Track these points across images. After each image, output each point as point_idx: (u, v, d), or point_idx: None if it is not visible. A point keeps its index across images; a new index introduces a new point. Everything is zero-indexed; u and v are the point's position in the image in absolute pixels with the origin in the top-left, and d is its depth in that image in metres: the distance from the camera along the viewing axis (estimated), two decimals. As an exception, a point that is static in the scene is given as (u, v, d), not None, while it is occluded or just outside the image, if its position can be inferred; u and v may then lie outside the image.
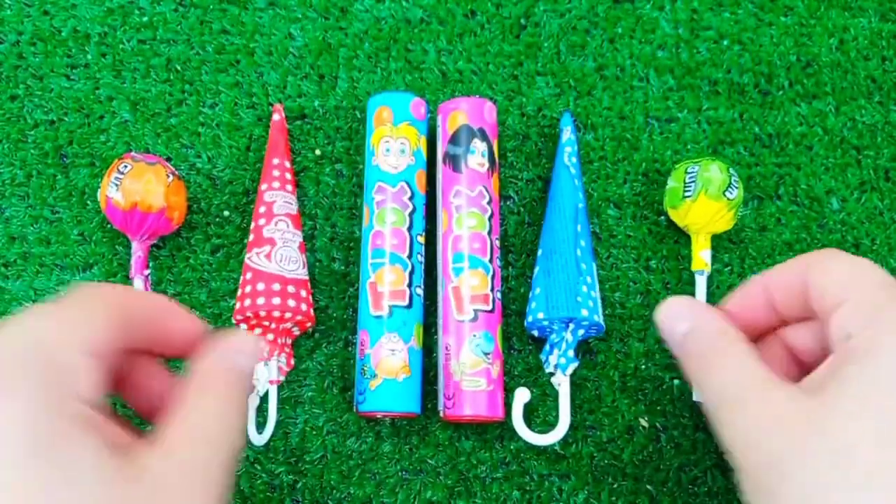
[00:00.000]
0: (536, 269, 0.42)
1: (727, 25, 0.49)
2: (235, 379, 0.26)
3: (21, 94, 0.48)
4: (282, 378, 0.42)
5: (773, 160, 0.47)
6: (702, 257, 0.44)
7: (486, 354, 0.38)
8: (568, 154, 0.45)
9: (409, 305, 0.39)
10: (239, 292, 0.42)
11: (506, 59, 0.48)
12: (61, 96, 0.48)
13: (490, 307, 0.39)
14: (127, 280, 0.45)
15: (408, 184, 0.41)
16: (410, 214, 0.40)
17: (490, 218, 0.40)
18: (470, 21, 0.49)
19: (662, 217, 0.46)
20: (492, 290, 0.39)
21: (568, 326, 0.41)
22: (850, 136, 0.48)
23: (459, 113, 0.42)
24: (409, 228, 0.40)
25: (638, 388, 0.44)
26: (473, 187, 0.40)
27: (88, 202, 0.46)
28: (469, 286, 0.39)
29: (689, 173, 0.43)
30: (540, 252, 0.43)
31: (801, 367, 0.31)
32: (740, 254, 0.46)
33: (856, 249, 0.46)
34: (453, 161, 0.41)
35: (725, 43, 0.49)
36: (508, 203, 0.46)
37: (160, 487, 0.21)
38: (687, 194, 0.42)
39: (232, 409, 0.25)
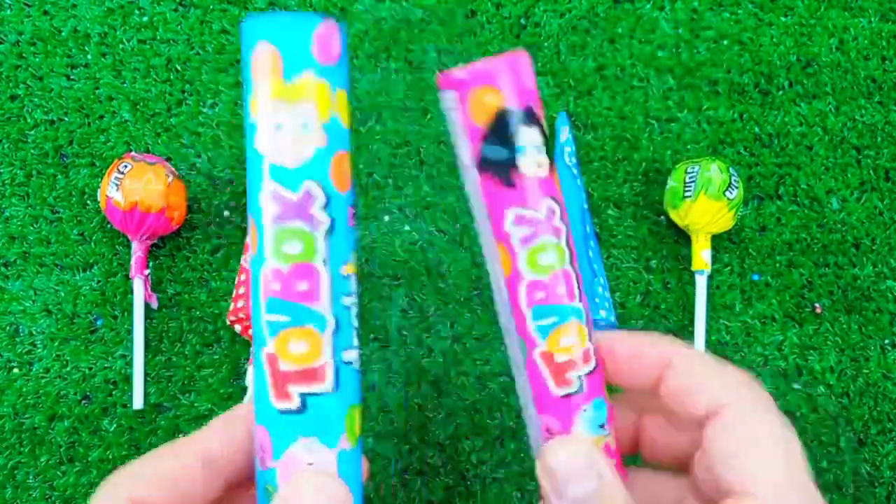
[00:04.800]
0: None
1: (727, 25, 0.49)
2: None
3: (21, 94, 0.48)
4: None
5: (773, 160, 0.47)
6: (702, 257, 0.44)
7: (601, 427, 0.26)
8: (568, 154, 0.45)
9: (335, 388, 0.22)
10: (233, 293, 0.42)
11: (506, 59, 0.48)
12: (61, 96, 0.48)
13: (593, 365, 0.26)
14: (127, 280, 0.45)
15: (319, 184, 0.23)
16: (326, 235, 0.23)
17: (566, 237, 0.26)
18: (470, 21, 0.49)
19: (662, 217, 0.46)
20: (590, 337, 0.26)
21: None
22: (850, 136, 0.48)
23: (491, 92, 0.25)
24: (326, 261, 0.23)
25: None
26: (539, 205, 0.25)
27: (88, 202, 0.46)
28: (565, 348, 0.26)
29: (689, 173, 0.43)
30: None
31: None
32: (740, 254, 0.46)
33: (856, 249, 0.46)
34: (497, 170, 0.26)
35: (725, 43, 0.49)
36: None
37: None
38: (687, 194, 0.42)
39: None
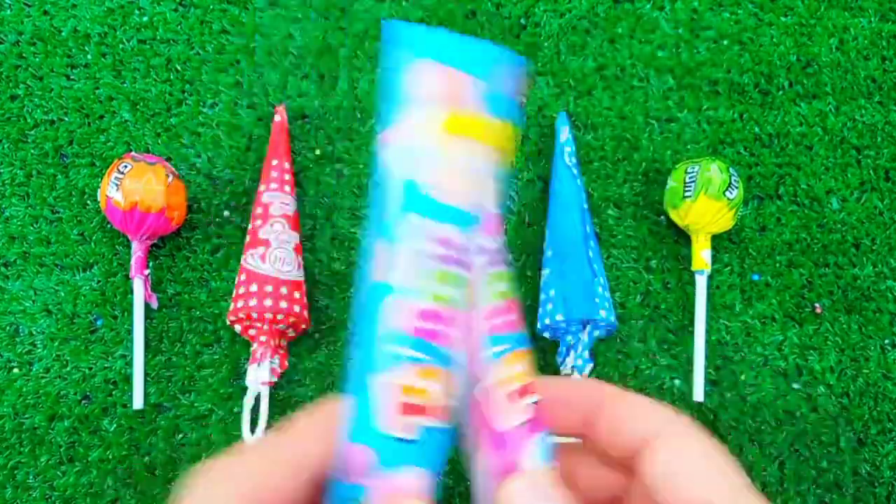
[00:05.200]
0: (547, 271, 0.42)
1: (727, 25, 0.49)
2: None
3: (21, 94, 0.48)
4: (275, 380, 0.42)
5: (773, 160, 0.47)
6: (702, 257, 0.44)
7: (550, 458, 0.24)
8: (567, 154, 0.45)
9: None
10: (234, 293, 0.42)
11: (506, 59, 0.48)
12: (61, 96, 0.48)
13: (536, 395, 0.24)
14: (127, 280, 0.45)
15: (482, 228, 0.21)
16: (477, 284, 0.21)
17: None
18: (470, 21, 0.49)
19: (662, 217, 0.46)
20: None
21: (584, 328, 0.41)
22: (850, 136, 0.48)
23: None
24: (466, 303, 0.21)
25: (638, 388, 0.43)
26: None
27: (88, 202, 0.46)
28: (511, 376, 0.24)
29: (689, 173, 0.43)
30: (549, 253, 0.43)
31: None
32: (740, 254, 0.46)
33: (856, 249, 0.46)
34: None
35: (725, 43, 0.49)
36: (508, 203, 0.46)
37: None
38: (687, 194, 0.42)
39: None
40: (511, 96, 0.20)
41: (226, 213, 0.46)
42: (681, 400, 0.43)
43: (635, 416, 0.23)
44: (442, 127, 0.19)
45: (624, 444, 0.23)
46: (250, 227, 0.43)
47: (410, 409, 0.21)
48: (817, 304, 0.45)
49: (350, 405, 0.22)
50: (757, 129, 0.48)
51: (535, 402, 0.24)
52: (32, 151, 0.47)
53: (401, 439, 0.21)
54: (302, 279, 0.43)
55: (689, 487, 0.21)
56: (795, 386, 0.44)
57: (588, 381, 0.25)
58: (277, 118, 0.46)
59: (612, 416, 0.24)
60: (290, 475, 0.22)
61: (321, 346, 0.44)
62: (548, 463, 0.24)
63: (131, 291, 0.44)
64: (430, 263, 0.20)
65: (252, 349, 0.42)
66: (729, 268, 0.46)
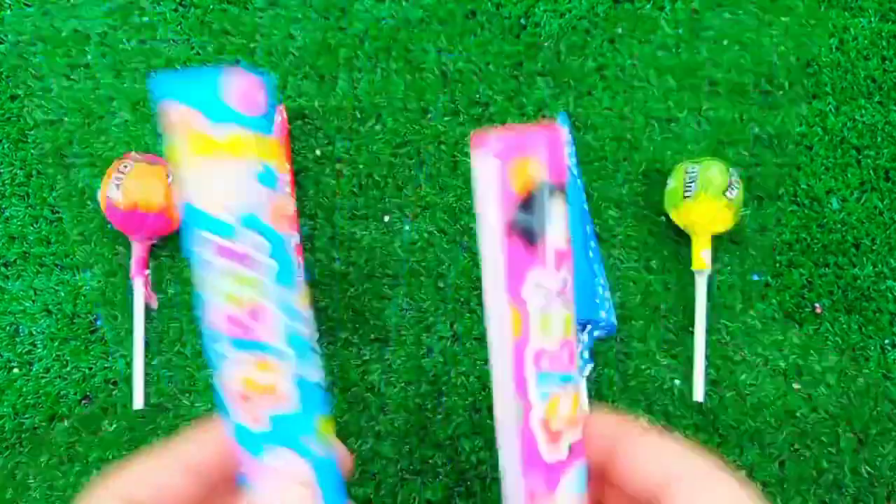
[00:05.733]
0: None
1: (727, 25, 0.49)
2: None
3: (21, 94, 0.48)
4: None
5: (773, 160, 0.47)
6: (702, 257, 0.44)
7: (581, 488, 0.27)
8: (567, 154, 0.45)
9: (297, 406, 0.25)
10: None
11: (506, 59, 0.48)
12: (61, 96, 0.48)
13: (580, 433, 0.27)
14: (127, 280, 0.45)
15: (256, 229, 0.23)
16: (274, 275, 0.24)
17: (573, 308, 0.27)
18: (470, 21, 0.49)
19: (662, 217, 0.46)
20: (581, 403, 0.26)
21: (585, 328, 0.41)
22: (850, 136, 0.48)
23: (534, 163, 0.26)
24: (267, 296, 0.24)
25: (638, 388, 0.43)
26: (558, 275, 0.26)
27: (88, 202, 0.46)
28: (561, 414, 0.26)
29: (689, 173, 0.43)
30: None
31: None
32: (740, 254, 0.46)
33: (856, 249, 0.46)
34: (526, 236, 0.26)
35: (725, 43, 0.49)
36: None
37: None
38: (687, 194, 0.42)
39: None
40: (247, 109, 0.22)
41: (226, 213, 0.46)
42: (681, 400, 0.43)
43: (649, 459, 0.23)
44: (188, 151, 0.22)
45: (642, 485, 0.23)
46: (250, 227, 0.43)
47: (251, 399, 0.24)
48: (817, 304, 0.45)
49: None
50: (757, 129, 0.48)
51: (577, 441, 0.26)
52: (32, 151, 0.47)
53: (256, 430, 0.24)
54: (302, 279, 0.43)
55: None
56: (795, 386, 0.44)
57: (603, 419, 0.25)
58: (277, 118, 0.46)
59: (626, 459, 0.24)
60: (177, 474, 0.23)
61: (321, 346, 0.44)
62: (579, 492, 0.26)
63: (131, 291, 0.44)
64: (220, 268, 0.23)
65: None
66: (729, 268, 0.46)
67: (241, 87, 0.22)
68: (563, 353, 0.27)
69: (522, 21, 0.49)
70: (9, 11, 0.49)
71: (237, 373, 0.24)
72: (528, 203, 0.26)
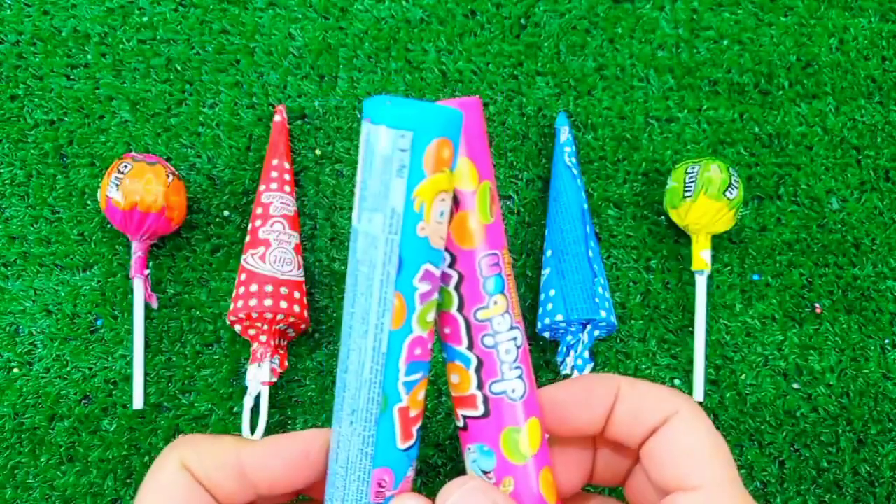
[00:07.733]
0: (547, 271, 0.42)
1: (727, 25, 0.49)
2: None
3: (21, 94, 0.48)
4: (275, 380, 0.42)
5: (773, 160, 0.47)
6: (702, 257, 0.44)
7: (484, 473, 0.26)
8: (567, 154, 0.45)
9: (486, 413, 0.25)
10: (234, 293, 0.42)
11: (506, 59, 0.48)
12: (61, 96, 0.48)
13: (482, 410, 0.26)
14: (127, 280, 0.45)
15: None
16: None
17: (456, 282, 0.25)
18: (470, 21, 0.49)
19: (662, 217, 0.46)
20: (479, 386, 0.26)
21: (585, 328, 0.41)
22: (850, 136, 0.48)
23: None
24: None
25: (638, 388, 0.43)
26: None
27: (88, 202, 0.46)
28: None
29: (689, 173, 0.43)
30: (549, 253, 0.43)
31: None
32: (740, 254, 0.46)
33: (856, 249, 0.46)
34: None
35: (725, 43, 0.49)
36: (508, 203, 0.46)
37: None
38: (687, 194, 0.42)
39: None
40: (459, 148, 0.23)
41: (226, 212, 0.46)
42: (681, 400, 0.43)
43: (647, 407, 0.25)
44: (437, 189, 0.22)
45: (641, 433, 0.25)
46: (250, 226, 0.43)
47: (416, 420, 0.25)
48: (817, 304, 0.45)
49: (361, 437, 0.24)
50: (757, 129, 0.48)
51: (474, 418, 0.26)
52: (32, 151, 0.47)
53: (407, 448, 0.25)
54: (302, 279, 0.43)
55: (687, 471, 0.24)
56: (795, 386, 0.44)
57: (600, 379, 0.26)
58: (277, 118, 0.46)
59: (628, 409, 0.26)
60: (232, 477, 0.24)
61: (321, 346, 0.44)
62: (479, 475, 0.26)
63: (131, 291, 0.44)
64: (427, 297, 0.23)
65: (252, 349, 0.42)
66: (729, 268, 0.46)
67: (457, 124, 0.22)
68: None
69: (522, 21, 0.49)
70: (9, 11, 0.49)
71: (414, 396, 0.25)
72: None
